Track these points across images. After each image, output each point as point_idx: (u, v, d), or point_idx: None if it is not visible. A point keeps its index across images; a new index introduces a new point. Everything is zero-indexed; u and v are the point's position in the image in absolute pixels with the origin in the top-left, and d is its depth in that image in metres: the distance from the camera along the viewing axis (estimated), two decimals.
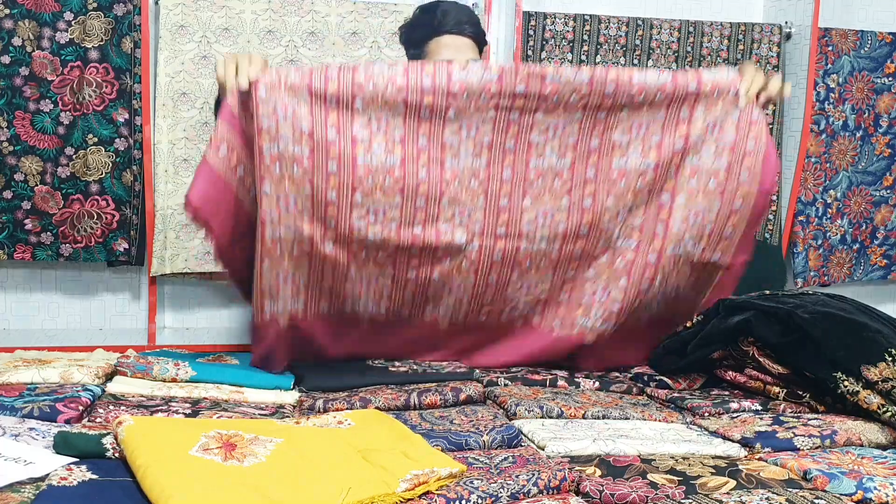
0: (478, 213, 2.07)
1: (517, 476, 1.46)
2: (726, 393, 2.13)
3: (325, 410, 1.91)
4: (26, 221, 2.91)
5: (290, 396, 2.05)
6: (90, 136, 2.91)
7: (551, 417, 1.91)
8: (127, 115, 2.93)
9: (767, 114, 2.18)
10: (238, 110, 1.95)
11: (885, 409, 1.79)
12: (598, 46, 3.27)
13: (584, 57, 3.26)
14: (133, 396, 1.93)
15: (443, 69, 1.97)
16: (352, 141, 1.95)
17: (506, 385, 2.16)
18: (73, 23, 2.87)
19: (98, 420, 1.72)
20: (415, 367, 2.31)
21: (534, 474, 1.46)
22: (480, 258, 2.10)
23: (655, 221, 2.10)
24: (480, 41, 2.40)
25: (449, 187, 2.02)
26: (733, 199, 2.07)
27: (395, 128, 1.98)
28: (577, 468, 1.55)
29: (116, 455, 1.51)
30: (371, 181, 1.98)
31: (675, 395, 2.12)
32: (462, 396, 2.04)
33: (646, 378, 2.26)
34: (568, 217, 2.06)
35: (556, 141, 2.02)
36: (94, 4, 2.88)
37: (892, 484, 1.49)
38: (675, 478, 1.51)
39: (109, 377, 2.05)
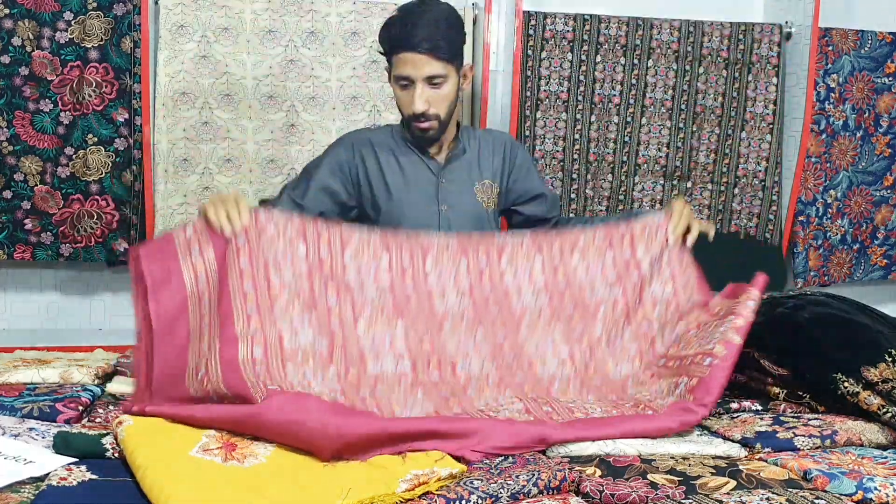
0: (486, 350, 2.04)
1: (517, 476, 1.46)
2: (726, 393, 2.13)
3: None
4: (26, 221, 2.91)
5: None
6: (90, 135, 2.91)
7: None
8: (127, 115, 2.93)
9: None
10: (236, 248, 1.92)
11: (885, 409, 1.78)
12: (598, 46, 3.27)
13: (584, 56, 3.26)
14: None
15: (417, 250, 2.09)
16: (351, 307, 1.98)
17: None
18: (72, 22, 2.87)
19: (98, 420, 1.72)
20: None
21: (534, 474, 1.46)
22: (501, 388, 1.97)
23: (646, 346, 2.10)
24: (453, 57, 2.25)
25: (442, 329, 2.03)
26: (689, 326, 2.08)
27: (382, 270, 2.03)
28: (577, 468, 1.55)
29: (116, 455, 1.51)
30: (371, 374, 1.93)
31: None
32: None
33: None
34: (567, 343, 2.08)
35: (528, 283, 2.12)
36: (94, 4, 2.88)
37: (892, 484, 1.49)
38: (676, 478, 1.51)
39: (109, 377, 2.05)
